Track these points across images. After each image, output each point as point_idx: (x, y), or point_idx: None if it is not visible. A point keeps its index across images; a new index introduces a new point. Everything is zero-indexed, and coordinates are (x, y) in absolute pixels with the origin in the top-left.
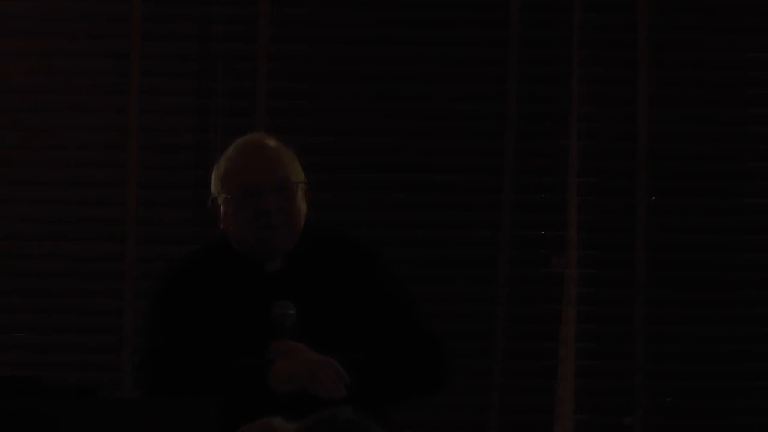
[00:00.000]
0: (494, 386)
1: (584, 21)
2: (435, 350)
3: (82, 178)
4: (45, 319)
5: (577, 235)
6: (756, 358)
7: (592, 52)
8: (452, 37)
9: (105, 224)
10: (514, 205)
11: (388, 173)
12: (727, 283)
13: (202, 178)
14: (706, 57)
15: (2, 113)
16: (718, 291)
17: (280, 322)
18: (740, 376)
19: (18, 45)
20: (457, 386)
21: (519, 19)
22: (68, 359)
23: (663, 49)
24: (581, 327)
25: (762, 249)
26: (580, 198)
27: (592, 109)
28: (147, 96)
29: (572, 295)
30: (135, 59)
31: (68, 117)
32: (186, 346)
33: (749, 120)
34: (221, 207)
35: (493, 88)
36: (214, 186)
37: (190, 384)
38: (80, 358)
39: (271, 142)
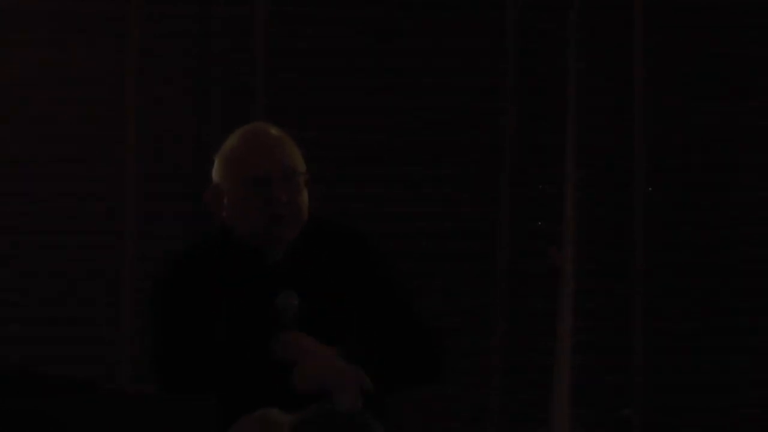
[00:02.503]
0: (492, 381)
1: (582, 15)
2: (428, 340)
3: (81, 176)
4: (44, 315)
5: (574, 229)
6: (754, 354)
7: (590, 46)
8: (451, 31)
9: (103, 221)
10: (511, 199)
11: (386, 167)
12: (726, 277)
13: (201, 176)
14: (702, 53)
15: (1, 112)
16: (717, 285)
17: (283, 313)
18: (738, 372)
19: (16, 43)
20: (456, 380)
21: (517, 15)
22: (64, 353)
23: (659, 44)
24: (579, 321)
25: (760, 244)
26: (577, 192)
27: (589, 103)
28: (145, 94)
29: (569, 290)
30: (133, 56)
31: (67, 115)
32: (199, 339)
33: (746, 114)
34: (225, 195)
35: (491, 82)
36: (217, 174)
37: (209, 379)
38: (76, 353)
39: (275, 132)
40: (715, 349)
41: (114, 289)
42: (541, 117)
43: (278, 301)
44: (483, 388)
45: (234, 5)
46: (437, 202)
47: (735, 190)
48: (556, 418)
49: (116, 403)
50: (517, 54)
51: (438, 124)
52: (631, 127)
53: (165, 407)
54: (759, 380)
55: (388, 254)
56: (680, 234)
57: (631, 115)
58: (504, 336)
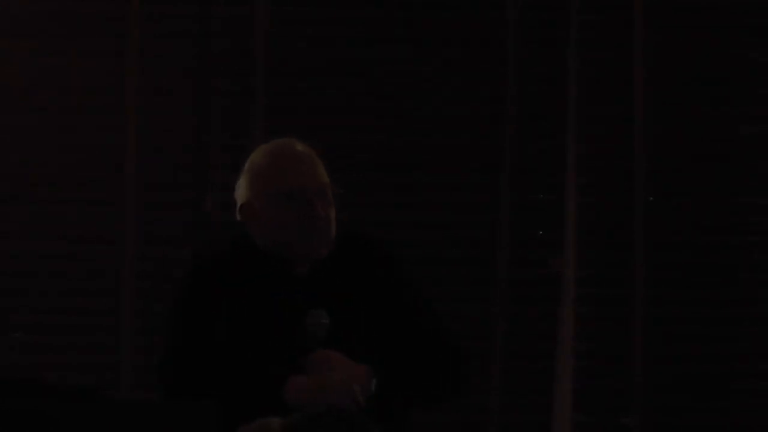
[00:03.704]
0: (493, 386)
1: (582, 21)
2: (454, 356)
3: (81, 177)
4: (43, 319)
5: (575, 235)
6: (756, 358)
7: (590, 46)
8: (450, 37)
9: (103, 224)
10: (512, 205)
11: (386, 173)
12: (726, 282)
13: (201, 177)
14: (702, 53)
15: (0, 113)
16: (717, 291)
17: (313, 332)
18: (740, 376)
19: (15, 43)
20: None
21: (517, 15)
22: (66, 360)
23: (660, 48)
24: (579, 327)
25: (761, 249)
26: (578, 198)
27: (589, 110)
28: (145, 94)
29: (570, 296)
30: (133, 56)
31: (66, 115)
32: (212, 348)
33: (747, 120)
34: (260, 210)
35: (491, 88)
36: (247, 190)
37: (211, 388)
38: (78, 359)
39: (303, 147)
40: (717, 356)
41: (114, 292)
42: (541, 118)
43: (308, 320)
44: (483, 389)
45: (234, 5)
46: (436, 207)
47: (736, 194)
48: (556, 423)
49: (116, 411)
50: (517, 54)
51: (438, 130)
52: (631, 128)
53: (164, 416)
54: (762, 387)
55: (411, 267)
56: (681, 241)
57: (631, 116)
58: (504, 341)
